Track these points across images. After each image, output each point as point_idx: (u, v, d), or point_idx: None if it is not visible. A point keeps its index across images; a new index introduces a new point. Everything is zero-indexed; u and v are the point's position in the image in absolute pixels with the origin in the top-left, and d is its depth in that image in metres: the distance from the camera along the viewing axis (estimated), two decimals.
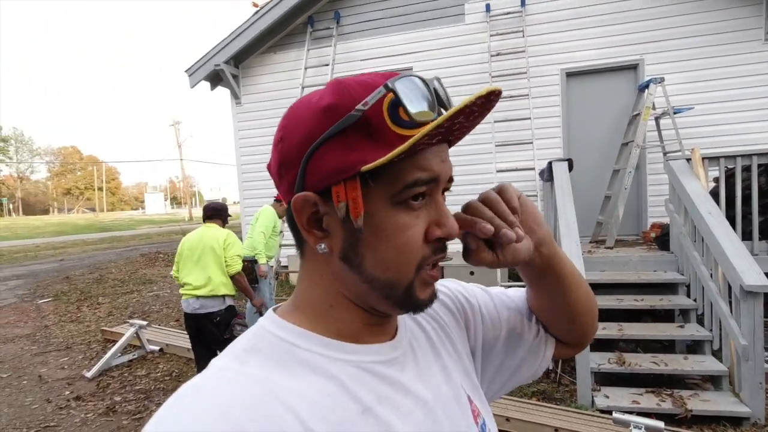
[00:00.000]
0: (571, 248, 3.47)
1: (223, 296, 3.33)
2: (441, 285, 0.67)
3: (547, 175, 4.54)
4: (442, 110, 0.45)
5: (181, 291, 3.36)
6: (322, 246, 0.47)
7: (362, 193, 0.43)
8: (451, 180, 0.48)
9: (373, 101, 0.41)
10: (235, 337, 3.52)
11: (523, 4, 5.56)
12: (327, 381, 0.44)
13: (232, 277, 3.38)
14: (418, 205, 0.45)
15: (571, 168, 4.33)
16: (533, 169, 5.16)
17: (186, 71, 6.68)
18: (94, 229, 26.87)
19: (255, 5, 7.42)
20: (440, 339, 0.60)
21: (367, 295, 0.47)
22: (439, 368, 0.55)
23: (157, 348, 4.70)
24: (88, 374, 4.16)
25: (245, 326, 3.45)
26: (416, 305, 0.47)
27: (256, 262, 4.30)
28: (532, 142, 5.17)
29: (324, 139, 0.43)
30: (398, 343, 0.52)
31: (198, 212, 50.46)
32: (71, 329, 5.81)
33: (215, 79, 6.77)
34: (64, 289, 8.28)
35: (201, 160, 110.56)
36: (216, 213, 3.47)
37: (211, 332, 3.32)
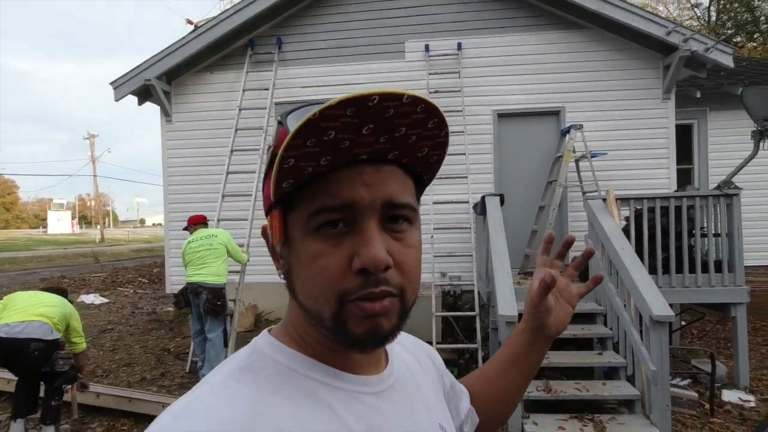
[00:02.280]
0: (503, 279, 3.63)
1: (51, 327, 3.16)
2: (423, 345, 0.69)
3: (481, 208, 4.76)
4: None
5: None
6: (280, 273, 0.49)
7: (287, 221, 0.46)
8: (396, 206, 0.45)
9: (275, 136, 0.46)
10: (59, 371, 3.20)
11: (459, 48, 5.93)
12: (321, 408, 0.45)
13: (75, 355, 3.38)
14: (335, 233, 0.43)
15: (502, 202, 4.58)
16: (467, 202, 5.39)
17: (111, 83, 6.25)
18: None
19: (190, 22, 7.20)
20: (423, 378, 0.61)
21: (313, 324, 0.46)
22: (423, 405, 0.56)
23: None
24: None
25: (69, 358, 3.32)
26: (353, 340, 0.44)
27: (224, 288, 4.28)
28: (467, 177, 5.42)
29: (264, 175, 0.48)
30: (387, 376, 0.53)
31: (111, 233, 46.40)
32: None
33: (144, 94, 6.41)
34: None
35: (118, 178, 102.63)
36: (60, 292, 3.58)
37: (28, 365, 3.11)
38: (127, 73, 6.21)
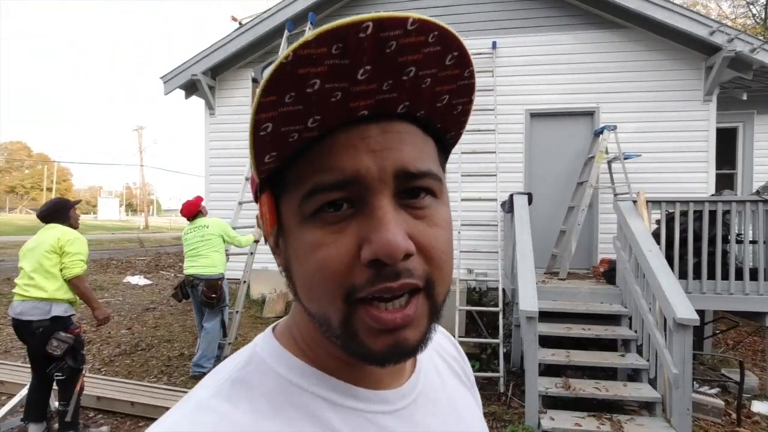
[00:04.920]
0: (525, 276, 3.69)
1: (50, 303, 2.86)
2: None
3: (508, 206, 4.80)
4: None
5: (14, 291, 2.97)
6: (281, 269, 0.40)
7: (279, 206, 0.38)
8: (414, 176, 0.35)
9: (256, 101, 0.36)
10: (50, 353, 2.79)
11: (494, 47, 5.95)
12: None
13: (69, 282, 2.91)
14: (337, 217, 0.34)
15: (530, 202, 4.60)
16: (495, 200, 5.44)
17: (161, 78, 6.66)
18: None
19: (234, 19, 7.51)
20: (452, 378, 0.53)
21: (321, 331, 0.38)
22: (454, 418, 0.48)
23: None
24: None
25: (64, 342, 2.82)
26: (369, 356, 0.35)
27: (221, 279, 4.23)
28: (496, 175, 5.46)
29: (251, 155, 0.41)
30: (410, 388, 0.44)
31: (154, 221, 48.60)
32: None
33: (191, 88, 6.78)
34: (3, 291, 7.81)
35: (163, 168, 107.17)
36: (51, 215, 3.04)
37: (31, 345, 2.89)
38: (175, 68, 6.59)
